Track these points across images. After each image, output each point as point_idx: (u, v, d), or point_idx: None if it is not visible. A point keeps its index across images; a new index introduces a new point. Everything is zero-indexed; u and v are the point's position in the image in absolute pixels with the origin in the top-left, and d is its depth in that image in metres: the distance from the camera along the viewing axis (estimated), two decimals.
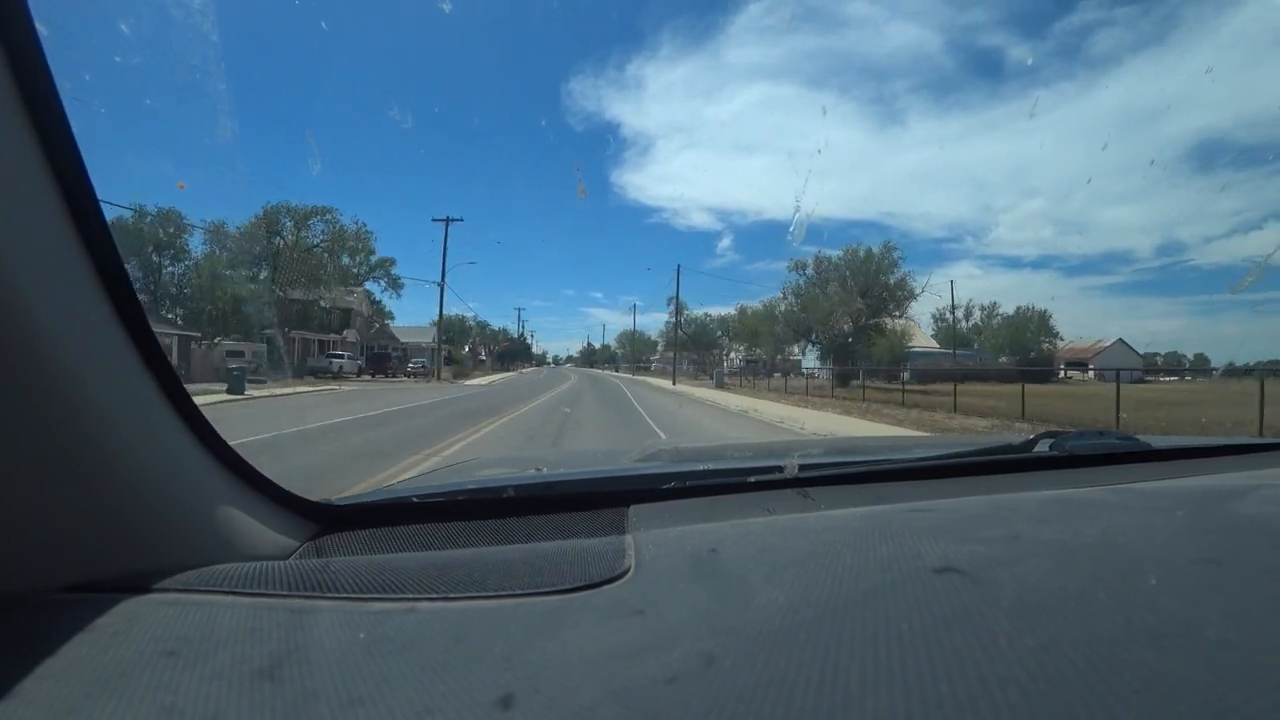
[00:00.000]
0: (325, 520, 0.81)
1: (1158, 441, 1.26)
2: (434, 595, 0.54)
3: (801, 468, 0.97)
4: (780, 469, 0.96)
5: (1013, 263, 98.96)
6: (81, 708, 0.39)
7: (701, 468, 1.10)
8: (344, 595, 0.54)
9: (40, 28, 0.48)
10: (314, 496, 0.82)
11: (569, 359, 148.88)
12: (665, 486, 0.93)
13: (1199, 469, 1.10)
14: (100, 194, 0.54)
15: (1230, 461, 1.19)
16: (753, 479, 0.95)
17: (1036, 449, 1.11)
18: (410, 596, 0.53)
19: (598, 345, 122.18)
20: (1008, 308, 55.83)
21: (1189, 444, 1.31)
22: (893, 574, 0.53)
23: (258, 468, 0.73)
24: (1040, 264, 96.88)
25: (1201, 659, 0.39)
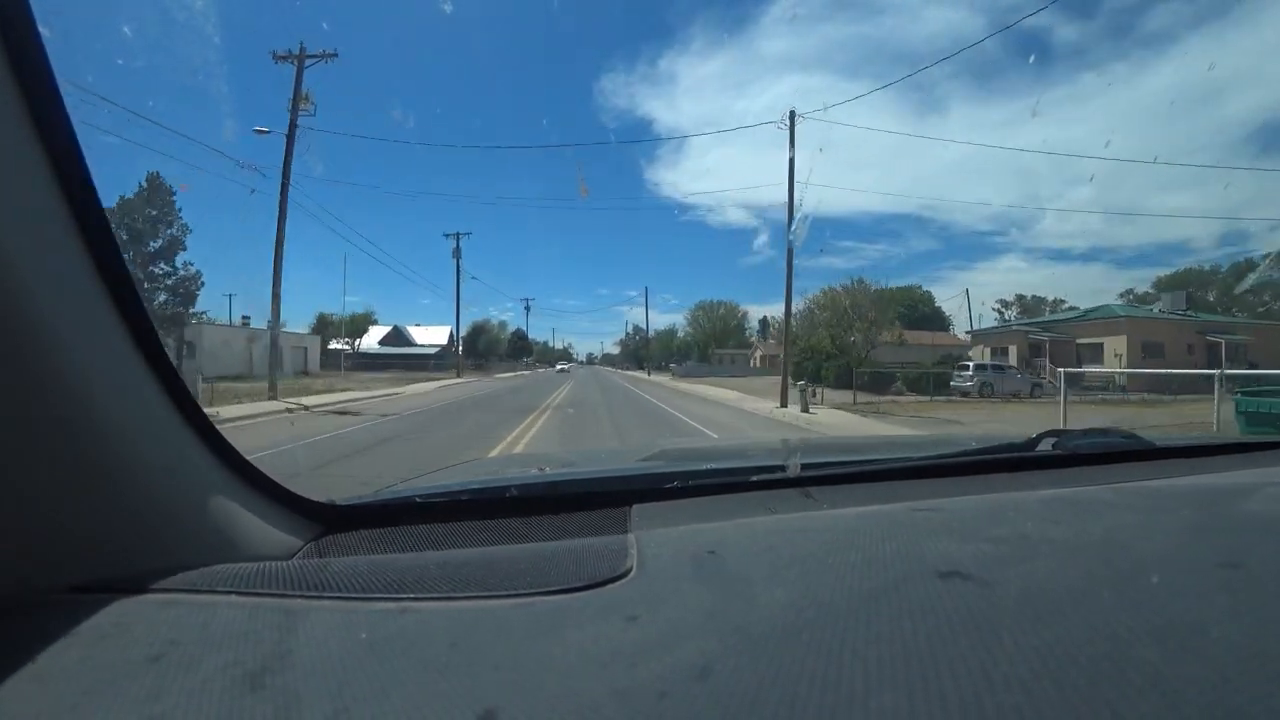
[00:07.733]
0: (329, 520, 0.81)
1: (1160, 440, 1.25)
2: (435, 595, 0.53)
3: (804, 467, 0.97)
4: (783, 468, 0.96)
5: (1061, 255, 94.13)
6: (72, 712, 0.39)
7: (704, 467, 1.10)
8: (343, 595, 0.54)
9: (43, 29, 0.49)
10: (318, 497, 0.82)
11: (604, 357, 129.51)
12: (668, 486, 0.92)
13: (1202, 468, 1.09)
14: (100, 192, 0.55)
15: (1233, 460, 1.18)
16: (755, 478, 0.95)
17: (1039, 448, 1.11)
18: (410, 596, 0.53)
19: (651, 334, 72.86)
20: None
21: (1192, 442, 1.30)
22: (896, 573, 0.53)
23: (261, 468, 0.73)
24: (1090, 256, 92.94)
25: (1207, 658, 0.39)
